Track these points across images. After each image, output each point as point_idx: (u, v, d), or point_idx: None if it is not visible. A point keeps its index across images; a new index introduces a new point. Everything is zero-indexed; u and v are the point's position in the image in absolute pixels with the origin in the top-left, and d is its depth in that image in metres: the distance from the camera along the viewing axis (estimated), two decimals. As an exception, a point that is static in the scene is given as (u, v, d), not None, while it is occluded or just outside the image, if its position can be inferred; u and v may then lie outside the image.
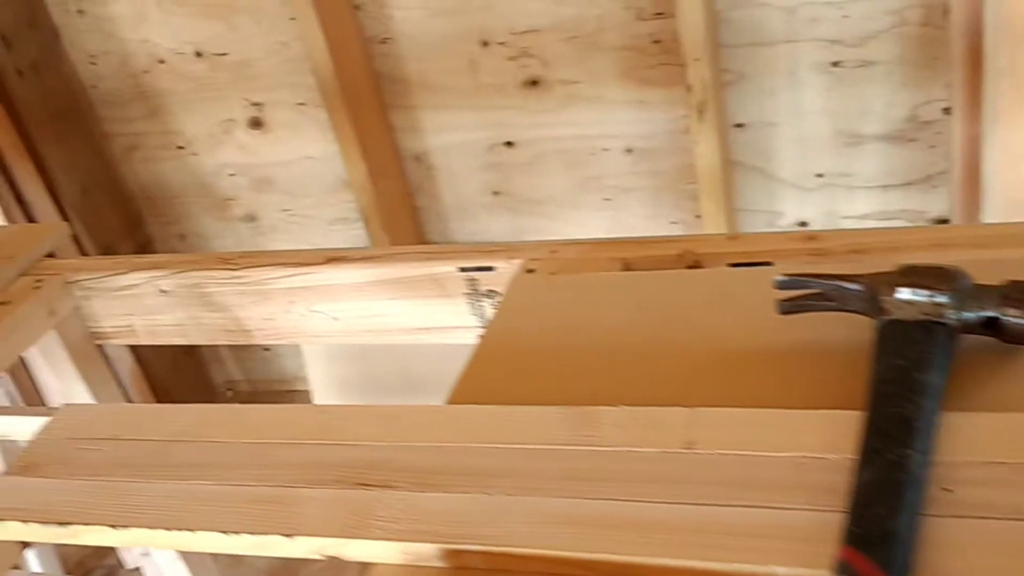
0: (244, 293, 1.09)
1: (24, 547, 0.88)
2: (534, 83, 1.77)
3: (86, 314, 1.16)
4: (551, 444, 0.69)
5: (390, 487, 0.68)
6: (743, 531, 0.59)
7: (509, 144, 1.85)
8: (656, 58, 1.68)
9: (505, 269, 0.98)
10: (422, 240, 1.99)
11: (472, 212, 1.96)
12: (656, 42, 1.67)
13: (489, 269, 0.99)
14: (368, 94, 1.83)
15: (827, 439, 0.63)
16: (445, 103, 1.84)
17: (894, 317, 0.68)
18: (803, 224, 1.78)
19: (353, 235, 2.03)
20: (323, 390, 1.76)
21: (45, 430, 0.83)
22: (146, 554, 1.36)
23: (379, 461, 0.71)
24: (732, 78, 1.66)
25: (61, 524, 0.71)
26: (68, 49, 1.99)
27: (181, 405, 0.85)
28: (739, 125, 1.71)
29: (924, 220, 1.72)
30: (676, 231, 1.85)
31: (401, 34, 1.79)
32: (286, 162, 1.99)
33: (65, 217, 1.98)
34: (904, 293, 0.68)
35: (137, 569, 1.60)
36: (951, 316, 0.66)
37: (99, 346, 1.21)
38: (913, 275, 0.69)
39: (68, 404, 0.88)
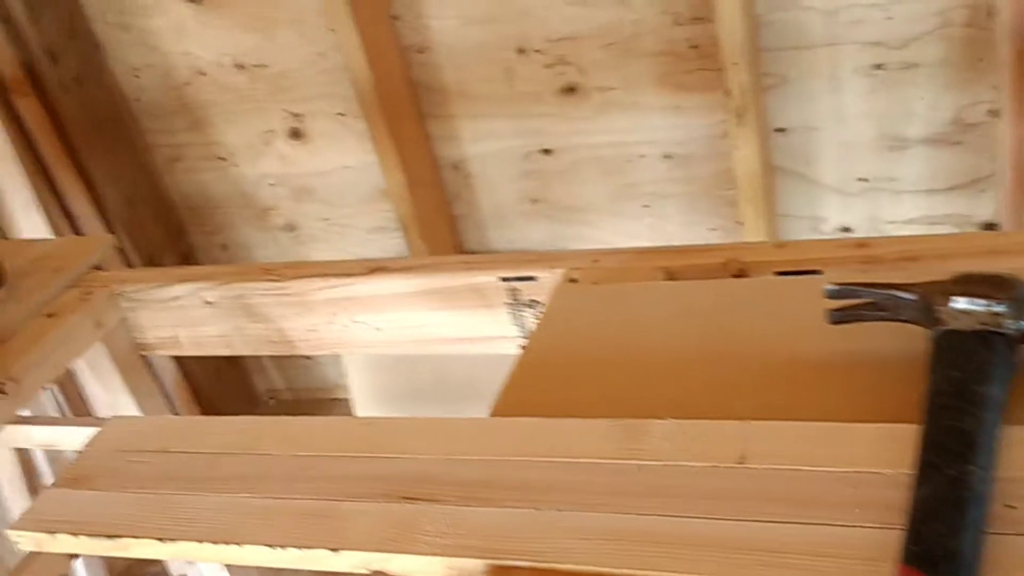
0: (287, 304, 1.10)
1: (73, 558, 0.89)
2: (571, 90, 1.76)
3: (132, 325, 1.18)
4: (598, 458, 0.68)
5: (436, 501, 0.68)
6: (796, 549, 0.58)
7: (546, 151, 1.84)
8: (694, 63, 1.66)
9: (546, 278, 0.97)
10: (460, 249, 1.99)
11: (510, 220, 1.95)
12: (694, 47, 1.65)
13: (531, 279, 0.98)
14: (406, 103, 1.83)
15: (883, 453, 0.62)
16: (482, 111, 1.84)
17: (950, 327, 0.66)
18: (846, 230, 1.75)
19: (391, 244, 2.04)
20: (363, 398, 1.77)
21: (93, 442, 0.84)
22: (191, 563, 1.37)
23: (425, 475, 0.70)
24: (773, 82, 1.64)
25: (110, 537, 0.72)
26: (111, 62, 2.02)
27: (228, 418, 0.86)
28: (780, 130, 1.69)
29: (970, 225, 1.68)
30: (715, 238, 1.83)
31: (438, 43, 1.79)
32: (325, 172, 2.01)
33: (110, 229, 2.01)
34: (960, 302, 0.66)
35: (182, 577, 1.61)
36: (1010, 326, 0.65)
37: (144, 357, 1.22)
38: (969, 284, 0.67)
39: (116, 416, 0.89)
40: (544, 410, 0.75)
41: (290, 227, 2.12)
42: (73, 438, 1.15)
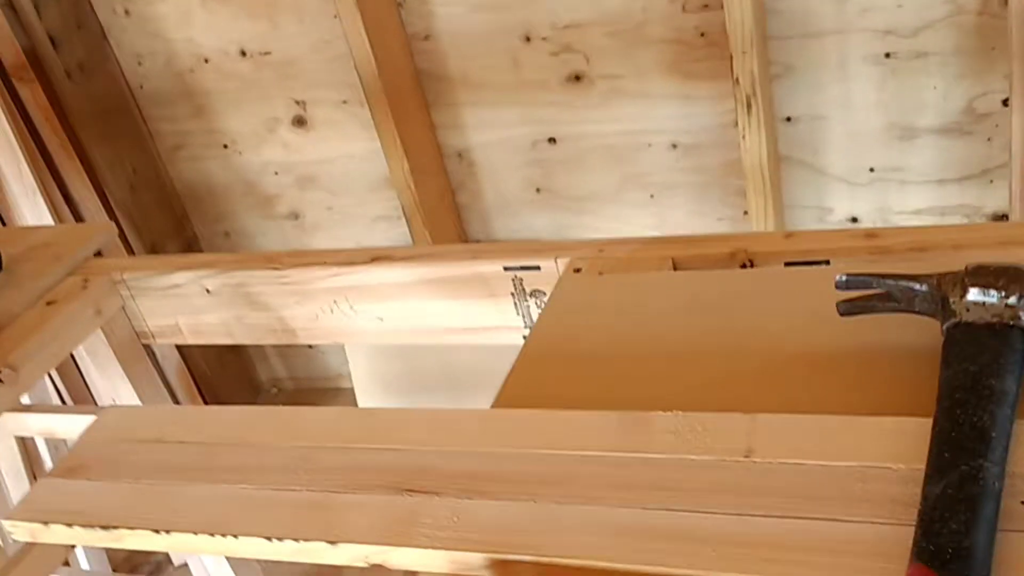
0: (288, 292, 1.09)
1: (71, 548, 0.88)
2: (577, 78, 1.74)
3: (132, 313, 1.17)
4: (602, 451, 0.67)
5: (436, 493, 0.67)
6: (805, 545, 0.56)
7: (552, 140, 1.83)
8: (702, 51, 1.64)
9: (551, 268, 0.96)
10: (464, 238, 1.98)
11: (514, 209, 1.94)
12: (702, 35, 1.63)
13: (535, 268, 0.97)
14: (410, 91, 1.82)
15: (894, 448, 0.60)
16: (487, 100, 1.82)
17: (963, 319, 0.65)
18: (854, 220, 1.73)
19: (395, 232, 2.03)
20: (366, 388, 1.76)
21: (90, 432, 0.83)
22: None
23: (425, 467, 0.69)
24: (780, 71, 1.62)
25: (105, 528, 0.71)
26: (115, 49, 2.00)
27: (225, 407, 0.85)
28: (788, 119, 1.67)
29: (981, 216, 1.66)
30: (722, 228, 1.81)
31: (443, 31, 1.77)
32: (329, 160, 1.99)
33: (112, 216, 2.00)
34: (974, 294, 0.64)
35: (185, 565, 1.61)
36: (1024, 319, 0.63)
37: (145, 345, 1.21)
38: (983, 275, 0.65)
39: (112, 406, 0.88)
40: (547, 402, 0.74)
41: (294, 215, 2.10)
42: (72, 426, 1.14)
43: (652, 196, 1.83)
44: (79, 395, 1.99)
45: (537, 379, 0.78)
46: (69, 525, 0.72)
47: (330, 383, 2.34)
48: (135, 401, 1.17)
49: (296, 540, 0.66)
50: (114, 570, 1.86)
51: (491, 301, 1.01)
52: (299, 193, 2.06)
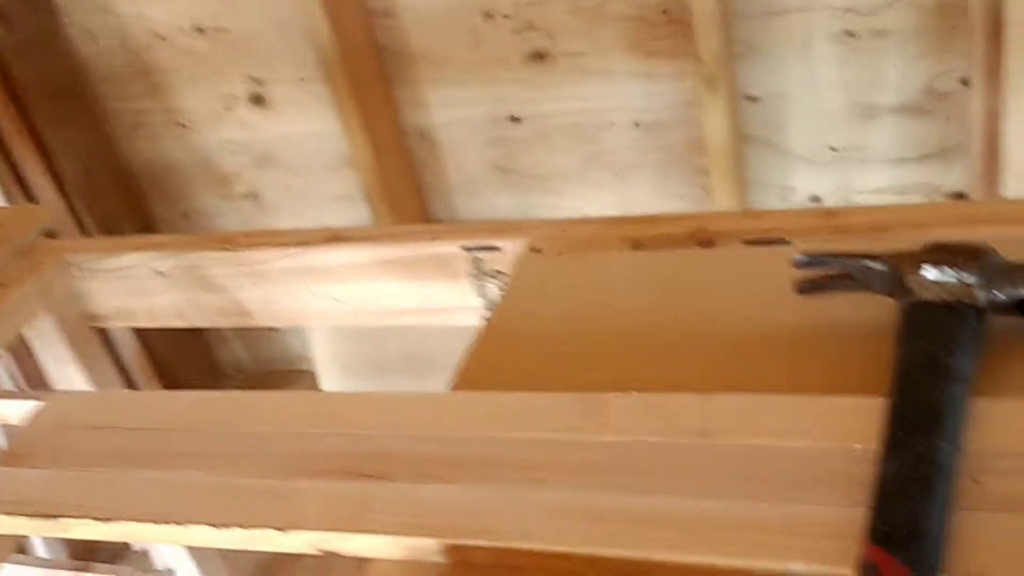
0: (243, 274, 1.06)
1: (22, 536, 0.86)
2: (539, 56, 1.73)
3: (83, 296, 1.14)
4: (558, 433, 0.66)
5: (390, 479, 0.65)
6: (759, 525, 0.56)
7: (514, 119, 1.81)
8: (664, 29, 1.63)
9: (511, 248, 0.94)
10: (427, 218, 1.96)
11: (477, 189, 1.92)
12: (664, 12, 1.62)
13: (495, 249, 0.95)
14: (370, 69, 1.79)
15: (849, 427, 0.60)
16: (449, 78, 1.80)
17: (920, 298, 0.64)
18: (816, 199, 1.74)
19: (356, 212, 2.00)
20: (329, 371, 1.74)
21: (35, 418, 0.81)
22: (149, 539, 1.34)
23: (378, 451, 0.68)
24: (743, 49, 1.62)
25: (48, 517, 0.69)
26: (67, 26, 1.95)
27: (178, 392, 0.83)
28: (750, 98, 1.66)
29: (940, 195, 1.67)
30: (685, 206, 1.80)
31: (404, 7, 1.74)
32: (287, 138, 1.96)
33: (67, 197, 1.95)
34: (930, 272, 0.64)
35: (145, 552, 1.58)
36: (980, 296, 0.63)
37: (99, 329, 1.18)
38: (940, 253, 0.65)
39: (59, 391, 0.86)
40: (506, 384, 0.73)
41: (252, 195, 2.07)
42: (23, 412, 1.11)
43: (615, 175, 1.82)
44: (36, 381, 1.95)
45: (495, 361, 0.77)
46: (10, 515, 0.70)
47: (293, 366, 2.31)
48: (86, 387, 1.14)
49: (244, 528, 0.64)
50: (73, 555, 1.83)
51: (450, 282, 1.00)
52: (258, 172, 2.03)
